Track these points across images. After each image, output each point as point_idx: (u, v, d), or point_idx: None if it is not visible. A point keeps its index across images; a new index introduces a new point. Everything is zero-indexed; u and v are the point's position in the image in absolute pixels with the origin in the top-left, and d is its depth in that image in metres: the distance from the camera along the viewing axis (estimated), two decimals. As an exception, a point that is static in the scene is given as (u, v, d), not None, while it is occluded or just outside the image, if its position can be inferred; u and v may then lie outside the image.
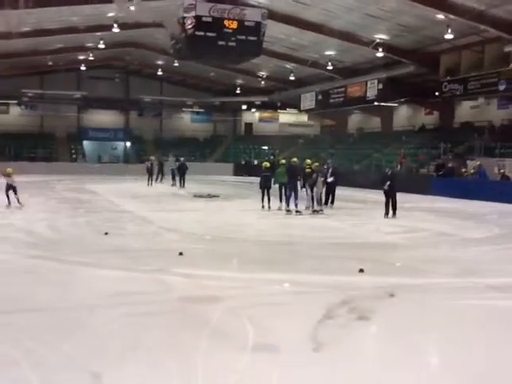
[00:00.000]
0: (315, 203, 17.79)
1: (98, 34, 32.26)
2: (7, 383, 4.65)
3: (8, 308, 6.85)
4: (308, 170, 18.05)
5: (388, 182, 16.55)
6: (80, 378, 4.82)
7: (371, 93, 34.11)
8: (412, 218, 17.34)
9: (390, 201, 16.58)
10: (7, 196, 17.31)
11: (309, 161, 19.02)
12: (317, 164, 18.87)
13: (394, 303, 7.46)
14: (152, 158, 33.80)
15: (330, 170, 19.39)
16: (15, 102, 45.77)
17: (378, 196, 24.93)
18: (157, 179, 31.63)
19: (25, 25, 29.23)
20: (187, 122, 52.03)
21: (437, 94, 30.84)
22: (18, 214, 16.34)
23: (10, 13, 25.36)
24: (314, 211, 17.47)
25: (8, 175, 17.45)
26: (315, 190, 17.79)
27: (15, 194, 17.33)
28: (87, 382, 4.76)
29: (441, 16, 24.37)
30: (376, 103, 34.56)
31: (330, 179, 19.00)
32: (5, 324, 6.21)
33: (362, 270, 8.78)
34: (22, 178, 32.33)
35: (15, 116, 46.53)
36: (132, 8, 25.73)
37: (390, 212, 16.64)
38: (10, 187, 17.35)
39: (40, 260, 9.60)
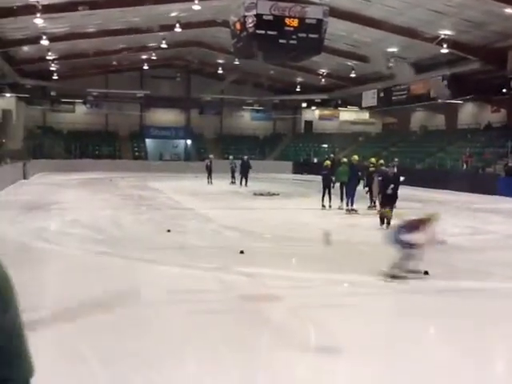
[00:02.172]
0: (377, 203, 17.51)
1: (161, 33, 32.77)
2: (76, 378, 4.77)
3: (75, 304, 7.03)
4: (372, 169, 17.74)
5: (391, 185, 13.92)
6: (144, 373, 4.89)
7: (435, 90, 33.31)
8: (478, 219, 16.84)
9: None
10: None
11: (373, 159, 18.69)
12: (382, 162, 18.38)
13: (459, 307, 7.24)
14: (211, 156, 33.99)
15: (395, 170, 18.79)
16: (81, 101, 47.06)
17: (443, 195, 24.46)
18: (207, 176, 31.21)
19: (90, 26, 30.07)
20: (247, 119, 52.27)
21: (504, 90, 29.79)
22: (85, 210, 16.81)
23: (77, 14, 26.13)
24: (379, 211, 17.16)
25: None
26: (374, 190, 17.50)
27: None
28: (151, 378, 4.83)
29: (509, 10, 23.49)
30: (440, 101, 33.72)
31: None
32: (72, 320, 6.37)
33: (426, 273, 8.54)
34: (88, 175, 33.39)
35: (81, 115, 47.89)
36: (195, 7, 26.00)
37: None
38: None
39: (105, 256, 9.84)
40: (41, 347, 5.60)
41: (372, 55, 33.58)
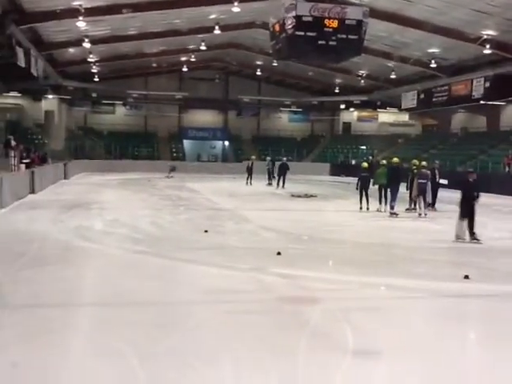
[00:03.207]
0: (417, 205, 17.30)
1: (200, 35, 33.02)
2: (115, 374, 4.84)
3: (114, 301, 7.14)
4: (416, 172, 17.49)
5: (475, 193, 12.19)
6: (181, 372, 4.93)
7: (477, 91, 32.63)
8: (520, 222, 16.45)
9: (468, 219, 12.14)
10: None
11: (416, 161, 18.41)
12: (424, 164, 18.04)
13: (500, 311, 7.11)
14: (253, 157, 34.07)
15: (437, 172, 18.56)
16: (121, 102, 47.76)
17: (484, 198, 23.73)
18: (247, 177, 31.16)
19: (131, 28, 30.50)
20: (285, 121, 52.22)
21: (549, 91, 29.05)
22: (124, 210, 17.06)
23: (118, 17, 26.55)
24: (420, 214, 16.91)
25: None
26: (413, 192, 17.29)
27: None
28: (189, 376, 4.87)
29: (554, 9, 22.91)
30: (482, 102, 33.07)
31: (442, 181, 16.50)
32: (111, 317, 6.48)
33: (467, 277, 8.38)
34: (127, 176, 33.88)
35: (121, 116, 48.61)
36: (234, 10, 26.10)
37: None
38: None
39: (144, 255, 9.96)
40: (80, 342, 5.72)
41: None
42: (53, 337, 5.66)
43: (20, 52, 23.98)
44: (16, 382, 4.68)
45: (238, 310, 6.87)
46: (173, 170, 36.35)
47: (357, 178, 18.51)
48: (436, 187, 18.46)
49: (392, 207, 16.92)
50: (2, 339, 5.63)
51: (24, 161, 23.24)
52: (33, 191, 21.26)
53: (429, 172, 17.34)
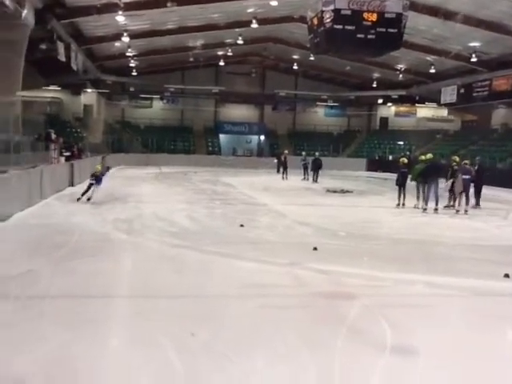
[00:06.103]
0: (456, 202, 16.99)
1: (237, 29, 33.01)
2: (154, 364, 4.90)
3: (151, 294, 7.20)
4: (456, 168, 17.20)
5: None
6: (217, 364, 4.95)
7: (519, 86, 31.90)
8: None
9: None
10: None
11: (457, 158, 18.14)
12: (466, 162, 17.71)
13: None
14: (286, 151, 34.12)
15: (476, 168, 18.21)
16: (158, 96, 48.13)
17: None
18: (282, 172, 31.68)
19: (169, 22, 30.67)
20: (321, 116, 51.87)
21: None
22: (161, 203, 17.22)
23: (157, 12, 26.72)
24: (457, 211, 16.60)
25: None
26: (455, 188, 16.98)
27: None
28: (224, 369, 4.87)
29: None
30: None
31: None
32: (148, 309, 6.54)
33: (507, 275, 8.21)
34: (163, 169, 34.19)
35: (158, 110, 48.97)
36: (272, 3, 26.01)
37: None
38: None
39: (181, 249, 10.02)
40: (118, 333, 5.79)
41: None
42: (91, 327, 5.74)
43: (61, 46, 24.33)
44: (57, 369, 4.77)
45: (274, 304, 6.85)
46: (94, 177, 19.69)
47: (396, 174, 18.29)
48: (480, 185, 18.14)
49: (436, 203, 16.56)
50: (42, 327, 5.74)
51: (65, 154, 23.59)
52: (72, 184, 21.62)
53: (472, 168, 17.10)
